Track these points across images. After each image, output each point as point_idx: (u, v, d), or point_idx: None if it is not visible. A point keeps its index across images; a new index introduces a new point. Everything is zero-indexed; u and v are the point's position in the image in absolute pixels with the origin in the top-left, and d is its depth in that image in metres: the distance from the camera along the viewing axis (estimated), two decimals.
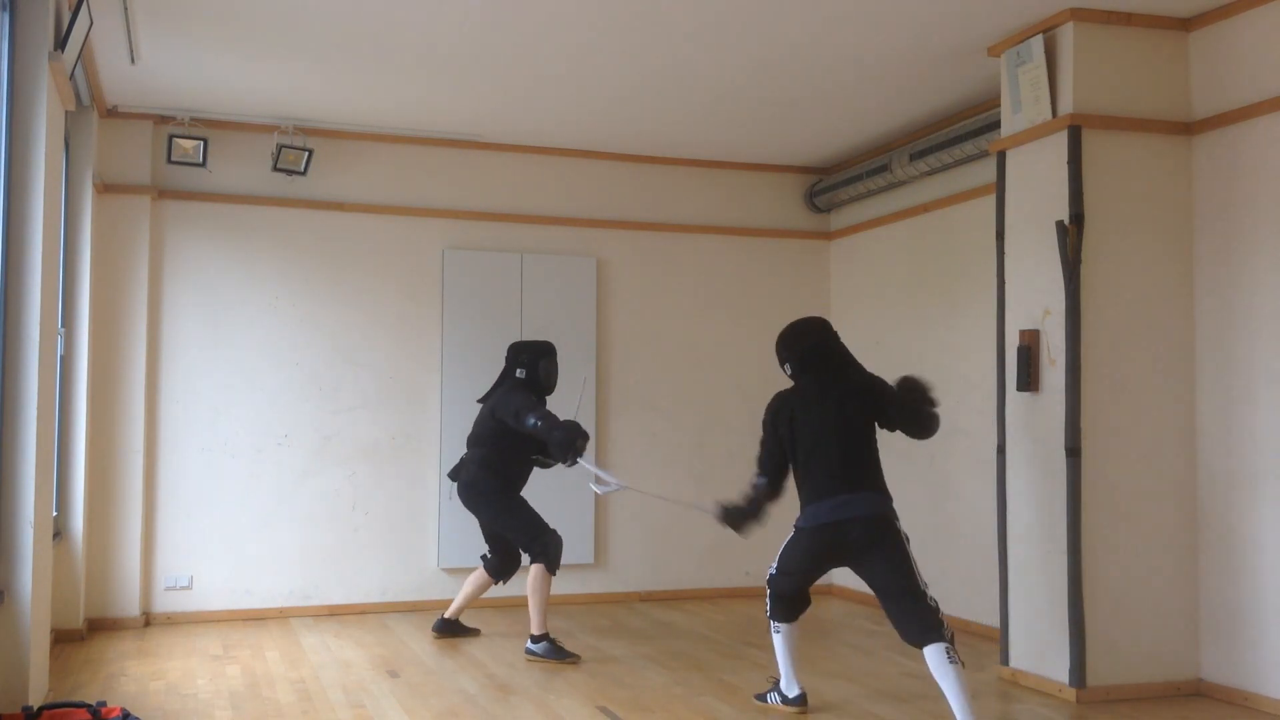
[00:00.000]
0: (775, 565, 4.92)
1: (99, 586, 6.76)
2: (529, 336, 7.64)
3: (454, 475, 6.43)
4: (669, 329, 8.15)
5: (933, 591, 4.64)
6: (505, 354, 6.43)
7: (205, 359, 7.16)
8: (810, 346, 4.96)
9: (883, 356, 7.77)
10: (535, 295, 7.77)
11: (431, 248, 7.64)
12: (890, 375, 7.62)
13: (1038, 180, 5.45)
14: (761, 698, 5.06)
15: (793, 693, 4.93)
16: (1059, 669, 5.22)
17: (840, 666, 5.82)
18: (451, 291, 7.60)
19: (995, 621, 5.93)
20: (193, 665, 5.84)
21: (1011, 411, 5.57)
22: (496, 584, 6.48)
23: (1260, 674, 4.96)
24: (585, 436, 5.94)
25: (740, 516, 5.00)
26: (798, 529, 4.84)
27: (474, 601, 6.59)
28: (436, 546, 7.48)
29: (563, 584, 7.78)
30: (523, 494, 6.37)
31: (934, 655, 4.46)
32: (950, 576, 6.99)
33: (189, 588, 7.08)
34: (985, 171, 6.52)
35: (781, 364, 5.04)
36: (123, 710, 4.44)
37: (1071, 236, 5.20)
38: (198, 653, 6.14)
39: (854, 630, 6.82)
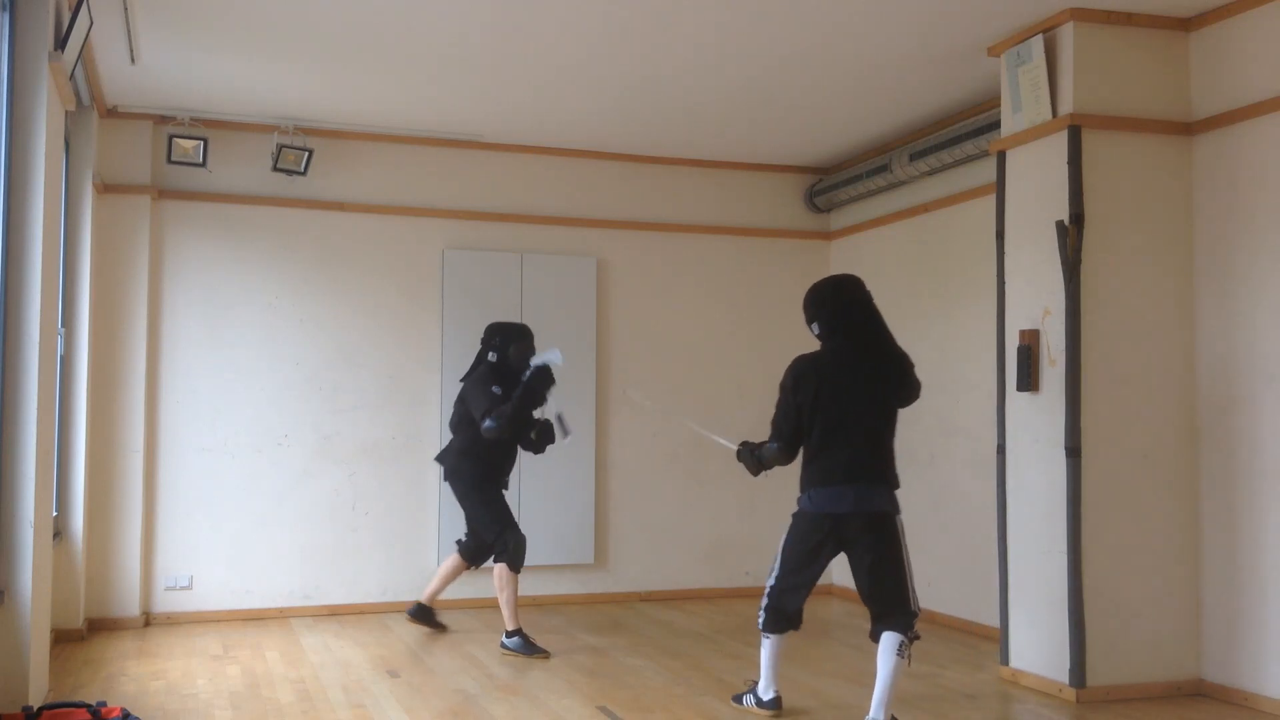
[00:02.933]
0: (776, 573, 4.73)
1: (99, 586, 6.76)
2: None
3: (440, 459, 6.57)
4: (669, 329, 8.15)
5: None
6: (481, 334, 6.55)
7: (205, 359, 7.16)
8: (843, 306, 4.64)
9: None
10: (535, 295, 7.77)
11: (431, 248, 7.64)
12: None
13: (1038, 180, 5.45)
14: (738, 699, 4.97)
15: (768, 696, 4.80)
16: (1059, 669, 5.22)
17: (840, 666, 5.82)
18: (451, 291, 7.60)
19: (995, 621, 5.93)
20: (193, 665, 5.84)
21: (1011, 411, 5.57)
22: (469, 568, 6.61)
23: (1261, 674, 4.96)
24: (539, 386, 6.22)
25: (753, 462, 4.81)
26: (800, 513, 4.65)
27: (448, 585, 6.69)
28: (436, 546, 7.48)
29: (563, 584, 7.81)
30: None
31: (888, 641, 4.45)
32: (950, 576, 7.00)
33: (189, 588, 7.08)
34: (985, 171, 6.52)
35: (809, 322, 4.74)
36: (123, 710, 4.44)
37: (1071, 236, 5.20)
38: (198, 653, 6.14)
39: (854, 630, 6.82)
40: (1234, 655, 5.10)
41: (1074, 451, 5.17)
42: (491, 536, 6.29)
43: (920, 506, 7.30)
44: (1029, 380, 5.39)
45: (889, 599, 4.50)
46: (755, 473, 4.89)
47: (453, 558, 6.60)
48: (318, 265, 7.43)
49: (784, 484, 8.35)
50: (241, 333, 7.25)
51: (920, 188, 7.41)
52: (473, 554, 6.52)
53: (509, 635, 6.18)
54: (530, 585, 7.71)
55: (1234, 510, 5.13)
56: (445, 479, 6.50)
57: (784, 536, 4.74)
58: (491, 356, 6.36)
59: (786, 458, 4.72)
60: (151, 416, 7.02)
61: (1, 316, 4.37)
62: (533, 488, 7.68)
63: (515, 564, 6.22)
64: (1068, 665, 5.16)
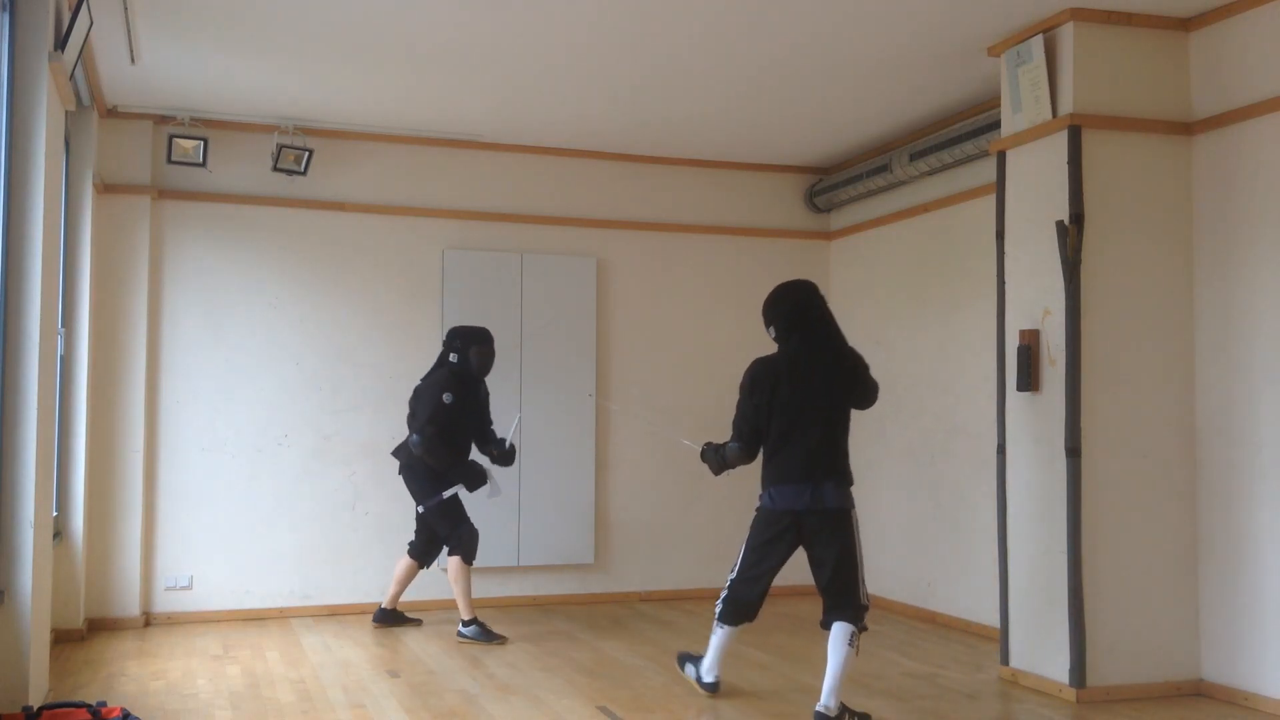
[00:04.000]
0: (738, 567, 4.96)
1: (99, 586, 6.76)
2: (528, 337, 7.68)
3: (397, 454, 6.75)
4: (669, 329, 8.15)
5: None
6: (443, 336, 6.82)
7: (205, 359, 7.16)
8: (797, 310, 4.86)
9: (883, 356, 7.78)
10: (535, 295, 7.77)
11: (431, 248, 7.64)
12: (892, 375, 7.67)
13: (1038, 180, 5.45)
14: (681, 664, 5.27)
15: (710, 679, 5.09)
16: (1059, 669, 5.22)
17: None
18: (451, 291, 7.60)
19: (995, 621, 5.93)
20: (193, 665, 5.84)
21: (1011, 411, 5.57)
22: (421, 568, 6.83)
23: (1261, 674, 4.96)
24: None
25: (717, 461, 5.07)
26: (761, 509, 4.88)
27: (406, 588, 6.88)
28: None
29: (563, 584, 7.81)
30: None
31: (839, 631, 4.66)
32: (950, 576, 7.00)
33: (189, 588, 7.07)
34: (985, 171, 6.52)
35: (766, 326, 4.97)
36: (123, 710, 4.44)
37: (1071, 236, 5.20)
38: (198, 653, 6.14)
39: None
40: (1234, 655, 5.10)
41: (1074, 451, 5.17)
42: (445, 530, 6.54)
43: (920, 506, 7.31)
44: (1029, 380, 5.39)
45: (842, 592, 4.71)
46: (718, 472, 5.14)
47: (404, 560, 6.81)
48: (318, 265, 7.42)
49: None
50: (241, 333, 7.25)
51: (920, 188, 7.41)
52: (422, 552, 6.76)
53: (465, 625, 6.48)
54: (530, 585, 7.72)
55: (1234, 510, 5.13)
56: (401, 473, 6.71)
57: (747, 533, 4.98)
58: (452, 358, 6.58)
59: (748, 456, 4.95)
60: (151, 416, 7.02)
61: (1, 316, 4.37)
62: (533, 488, 7.68)
63: (469, 556, 6.50)
64: (1068, 665, 5.16)
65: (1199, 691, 5.23)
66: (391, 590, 6.84)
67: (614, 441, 7.98)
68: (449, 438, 6.50)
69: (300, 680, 5.51)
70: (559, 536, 7.74)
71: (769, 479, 4.83)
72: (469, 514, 6.62)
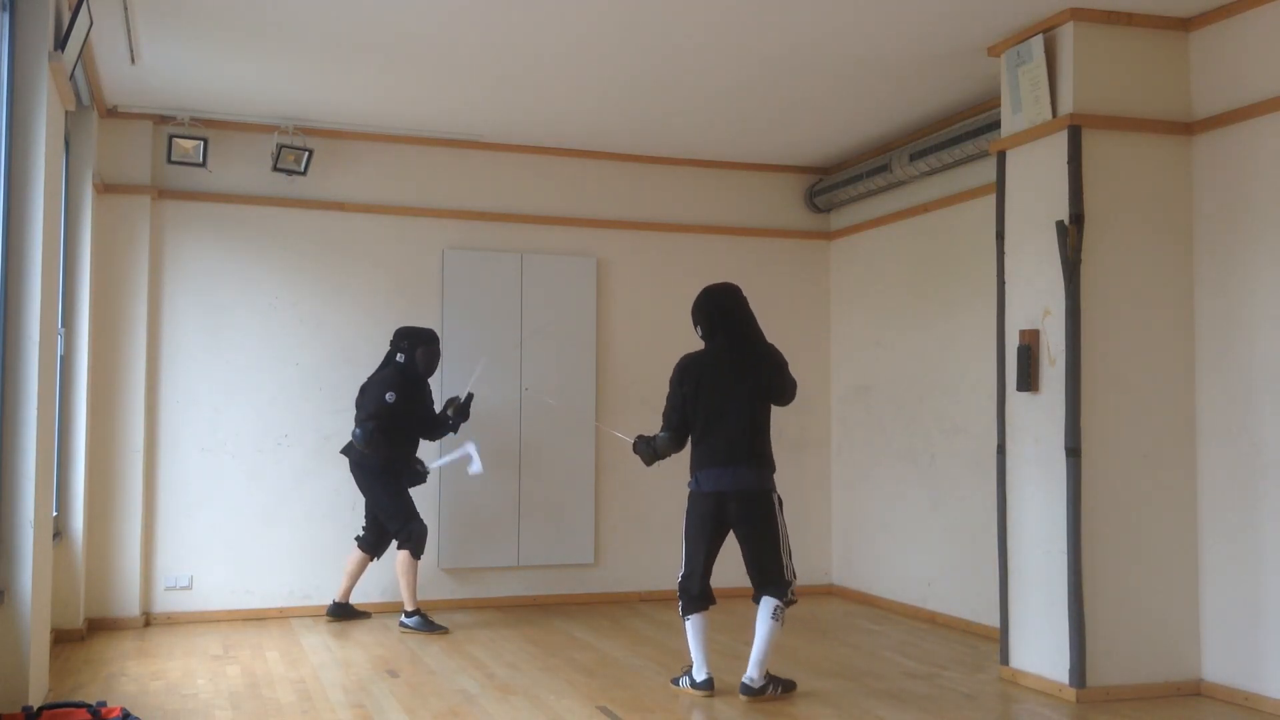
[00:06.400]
0: (683, 563, 5.28)
1: (99, 586, 6.76)
2: (528, 337, 7.68)
3: (346, 451, 6.91)
4: (669, 329, 8.13)
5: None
6: (390, 336, 6.98)
7: (205, 359, 7.16)
8: (719, 311, 5.24)
9: (882, 356, 7.78)
10: (535, 295, 7.77)
11: (431, 248, 7.64)
12: (892, 376, 7.66)
13: (1038, 180, 5.45)
14: (675, 681, 5.38)
15: (700, 677, 5.23)
16: (1059, 669, 5.22)
17: (840, 666, 5.82)
18: (451, 291, 7.60)
19: (995, 621, 5.93)
20: (193, 665, 5.84)
21: (1011, 411, 5.57)
22: (372, 560, 6.98)
23: (1262, 674, 4.96)
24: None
25: (648, 452, 5.37)
26: (691, 494, 5.23)
27: (357, 580, 7.03)
28: (436, 546, 7.47)
29: (563, 584, 7.80)
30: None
31: (765, 605, 5.06)
32: (950, 576, 7.00)
33: (189, 588, 7.07)
34: (985, 171, 6.52)
35: (694, 325, 5.35)
36: (123, 710, 4.45)
37: (1071, 236, 5.20)
38: (198, 653, 6.14)
39: (854, 630, 6.83)
40: (1234, 655, 5.10)
41: (1074, 451, 5.17)
42: (395, 526, 6.73)
43: (920, 506, 7.31)
44: (1029, 380, 5.39)
45: (766, 568, 5.11)
46: (649, 463, 5.44)
47: (354, 553, 6.95)
48: (318, 265, 7.43)
49: (784, 485, 8.36)
50: (241, 333, 7.25)
51: (920, 188, 7.41)
52: (372, 545, 6.93)
53: (408, 615, 6.71)
54: (530, 585, 7.72)
55: (1234, 510, 5.13)
56: (351, 470, 6.88)
57: (684, 526, 5.30)
58: (400, 358, 6.77)
59: (676, 445, 5.32)
60: (151, 416, 7.02)
61: (1, 316, 4.37)
62: (533, 488, 7.68)
63: (417, 551, 6.72)
64: (1068, 665, 5.16)
65: (1199, 691, 5.23)
66: (343, 584, 6.99)
67: (613, 442, 7.96)
68: (391, 435, 6.68)
69: (300, 680, 5.51)
70: (559, 536, 7.74)
71: (696, 464, 5.18)
72: (419, 510, 6.89)
